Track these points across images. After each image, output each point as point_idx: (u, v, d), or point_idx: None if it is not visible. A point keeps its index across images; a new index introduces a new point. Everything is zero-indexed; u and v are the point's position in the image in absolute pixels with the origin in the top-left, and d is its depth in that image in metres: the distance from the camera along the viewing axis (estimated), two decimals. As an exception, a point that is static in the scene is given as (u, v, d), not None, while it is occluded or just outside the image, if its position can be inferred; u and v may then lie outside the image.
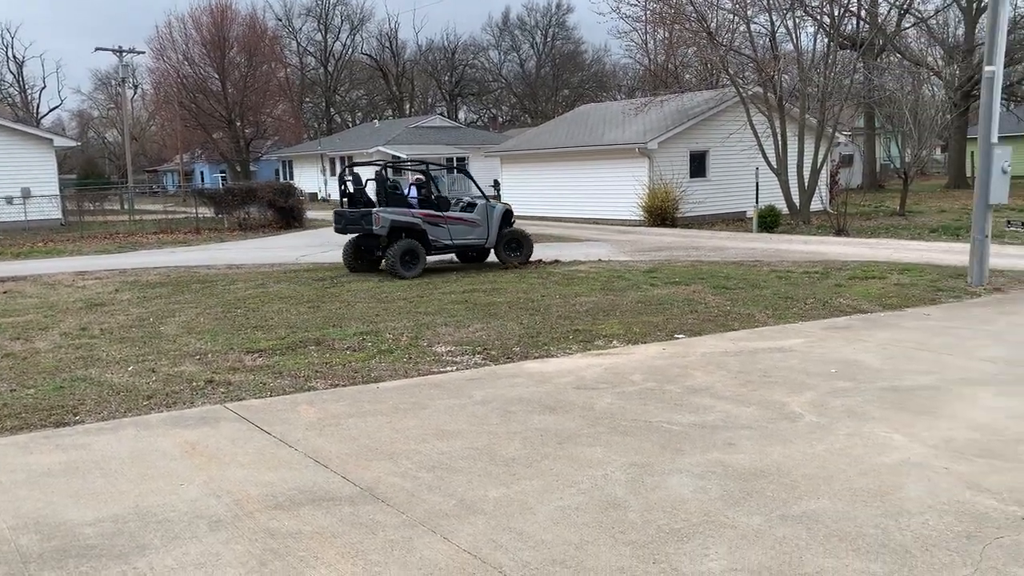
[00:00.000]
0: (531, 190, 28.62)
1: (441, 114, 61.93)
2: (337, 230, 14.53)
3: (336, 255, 17.67)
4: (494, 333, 8.70)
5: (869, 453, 4.90)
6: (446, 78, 76.45)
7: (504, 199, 29.93)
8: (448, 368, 7.25)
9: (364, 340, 8.44)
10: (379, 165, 15.11)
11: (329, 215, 32.94)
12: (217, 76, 52.14)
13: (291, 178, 47.57)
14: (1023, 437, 5.12)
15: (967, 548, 3.70)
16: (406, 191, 15.14)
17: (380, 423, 5.66)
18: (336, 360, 7.57)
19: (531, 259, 15.09)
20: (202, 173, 64.77)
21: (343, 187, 14.70)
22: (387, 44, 74.43)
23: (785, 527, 3.95)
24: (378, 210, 13.70)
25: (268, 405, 6.21)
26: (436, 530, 3.98)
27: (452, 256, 15.36)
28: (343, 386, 6.69)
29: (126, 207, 37.08)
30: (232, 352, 8.03)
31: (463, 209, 14.72)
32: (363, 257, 14.51)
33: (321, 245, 20.20)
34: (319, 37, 72.56)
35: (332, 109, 74.02)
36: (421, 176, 15.19)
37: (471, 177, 15.52)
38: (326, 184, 45.16)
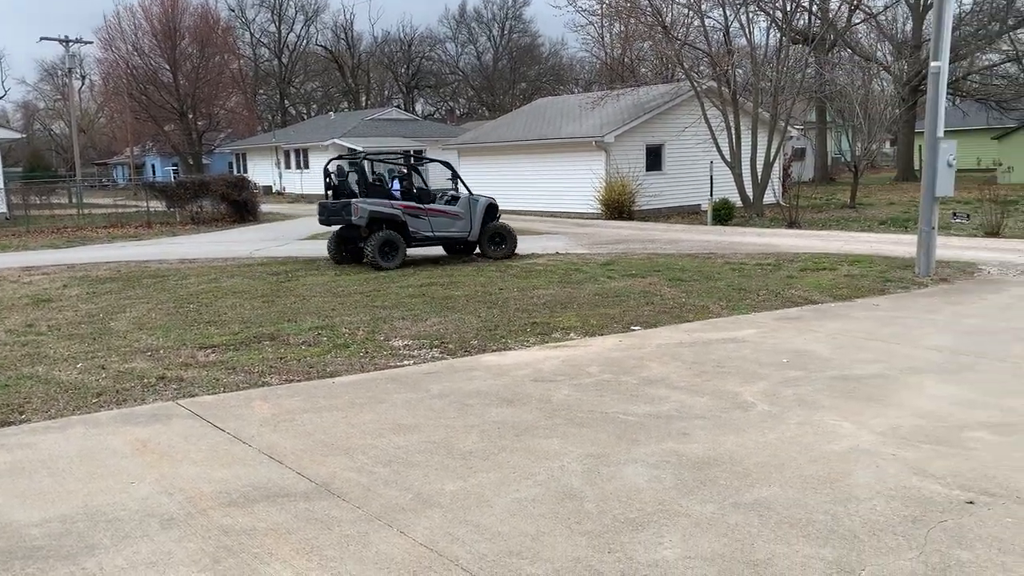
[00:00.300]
0: (488, 183, 28.47)
1: (398, 106, 61.51)
2: (321, 221, 14.64)
3: (290, 249, 17.51)
4: (452, 327, 8.68)
5: (819, 441, 5.00)
6: (403, 70, 75.93)
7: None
8: (405, 362, 7.22)
9: (319, 335, 8.37)
10: (363, 157, 15.18)
11: (283, 208, 32.52)
12: (168, 67, 51.16)
13: (245, 171, 46.89)
14: (966, 423, 5.27)
15: (913, 532, 3.79)
16: (390, 183, 15.11)
17: (336, 418, 5.62)
18: (291, 355, 7.49)
19: (515, 252, 15.13)
20: (153, 166, 63.52)
21: (327, 179, 14.74)
22: (342, 36, 73.72)
23: (737, 514, 4.01)
24: (357, 201, 13.75)
25: (221, 401, 6.12)
26: (392, 524, 3.97)
27: (441, 249, 15.42)
28: (298, 381, 6.63)
29: (74, 201, 36.24)
30: (184, 348, 7.90)
31: (448, 202, 14.80)
32: (347, 248, 14.57)
33: (276, 239, 19.96)
34: (273, 28, 71.60)
35: (286, 101, 73.07)
36: (404, 168, 15.26)
37: (454, 170, 15.42)
38: (280, 177, 44.60)
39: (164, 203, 26.89)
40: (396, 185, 15.15)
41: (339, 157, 15.65)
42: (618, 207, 23.82)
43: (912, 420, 5.35)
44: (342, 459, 4.85)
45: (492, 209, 15.03)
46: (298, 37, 72.09)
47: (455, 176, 15.26)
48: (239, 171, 47.60)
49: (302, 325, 8.88)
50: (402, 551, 3.70)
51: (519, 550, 3.69)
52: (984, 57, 39.34)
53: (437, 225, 14.38)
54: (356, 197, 14.05)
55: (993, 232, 16.51)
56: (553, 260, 14.47)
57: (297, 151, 43.12)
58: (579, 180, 24.91)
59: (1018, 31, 35.11)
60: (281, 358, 7.40)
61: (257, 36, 71.01)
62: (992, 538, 3.72)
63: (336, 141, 39.21)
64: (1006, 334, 7.87)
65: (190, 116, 52.01)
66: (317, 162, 41.23)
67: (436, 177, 38.33)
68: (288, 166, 44.01)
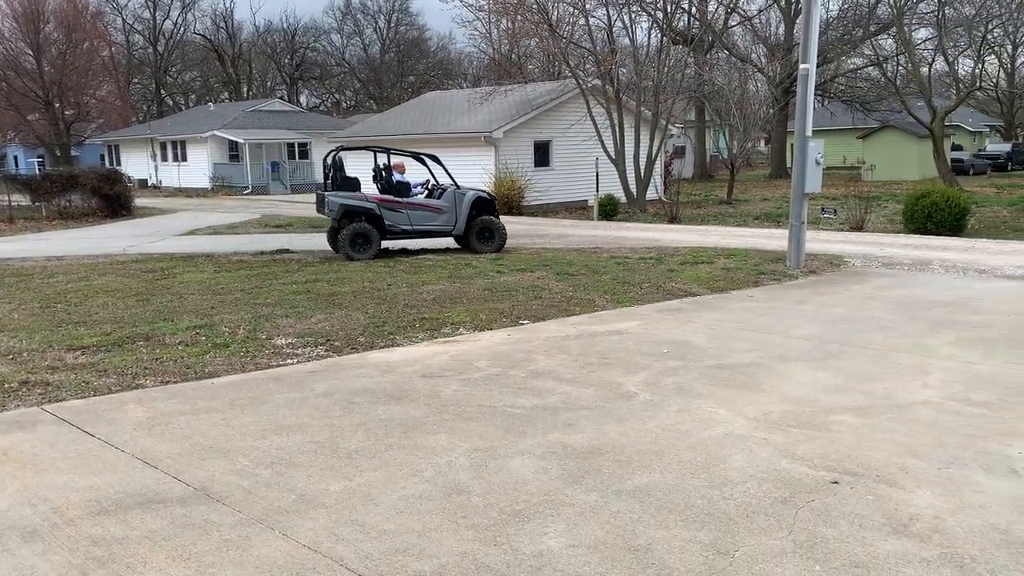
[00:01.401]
0: (376, 178, 28.24)
1: (281, 98, 59.85)
2: (317, 211, 14.91)
3: (167, 245, 16.82)
4: (338, 324, 8.54)
5: (697, 428, 5.19)
6: (286, 61, 73.95)
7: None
8: (289, 361, 7.05)
9: (198, 334, 8.07)
10: (349, 149, 15.59)
11: (160, 202, 31.09)
12: (31, 53, 47.99)
13: (118, 164, 44.62)
14: (832, 408, 5.57)
15: (783, 513, 3.99)
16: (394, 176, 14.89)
17: (215, 420, 5.44)
18: (167, 356, 7.20)
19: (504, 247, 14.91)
20: (16, 158, 59.58)
21: (327, 170, 14.77)
22: (222, 24, 71.12)
23: (620, 502, 4.12)
24: (329, 195, 14.09)
25: (91, 406, 5.82)
26: (274, 527, 3.87)
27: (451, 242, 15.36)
28: (175, 383, 6.37)
29: (-75, 194, 33.57)
30: (51, 350, 7.47)
31: (440, 196, 14.67)
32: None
33: (151, 235, 19.11)
34: (147, 14, 68.30)
35: (163, 91, 69.93)
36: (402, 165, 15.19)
37: (441, 163, 15.05)
38: (157, 170, 42.69)
39: (28, 197, 25.27)
40: (398, 177, 14.89)
41: (338, 149, 15.38)
42: (508, 202, 23.93)
43: (783, 406, 5.62)
44: (222, 462, 4.70)
45: (481, 203, 14.86)
46: (175, 24, 69.04)
47: (444, 169, 14.98)
48: (112, 164, 45.27)
49: (179, 324, 8.53)
50: (284, 554, 3.62)
51: (405, 547, 3.67)
52: (849, 61, 41.62)
53: (416, 219, 14.36)
54: (355, 188, 14.36)
55: (857, 227, 17.51)
56: (443, 255, 14.44)
57: (174, 143, 41.36)
58: (468, 175, 24.77)
59: (879, 37, 37.31)
60: (157, 359, 7.10)
61: (130, 22, 67.61)
62: (854, 515, 3.95)
63: (216, 133, 37.86)
64: (868, 323, 8.37)
65: (57, 105, 49.00)
66: (195, 155, 39.72)
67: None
68: (165, 159, 42.16)
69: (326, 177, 14.74)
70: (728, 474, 4.45)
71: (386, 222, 14.18)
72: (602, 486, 4.32)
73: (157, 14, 67.91)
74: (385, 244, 14.67)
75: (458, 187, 14.91)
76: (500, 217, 15.20)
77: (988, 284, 10.72)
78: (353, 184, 14.49)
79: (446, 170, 14.99)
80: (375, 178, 14.67)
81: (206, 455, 4.81)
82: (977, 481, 4.33)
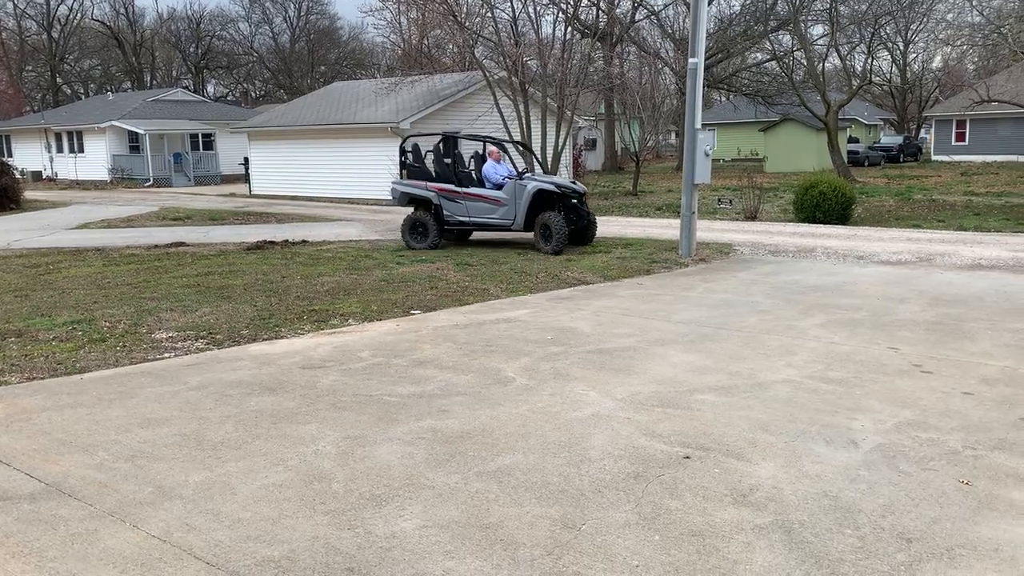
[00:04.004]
0: (281, 168, 27.76)
1: (186, 87, 58.08)
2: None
3: (56, 239, 16.20)
4: (223, 317, 8.40)
5: (566, 409, 5.33)
6: (191, 50, 71.69)
7: (252, 177, 28.76)
8: (166, 355, 6.91)
9: (75, 329, 7.82)
10: (421, 136, 15.28)
11: (54, 195, 29.81)
12: (-89, 37, 45.35)
13: (10, 155, 42.53)
14: (696, 388, 5.80)
15: (633, 487, 4.15)
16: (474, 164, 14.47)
17: (79, 415, 5.30)
18: (38, 351, 6.96)
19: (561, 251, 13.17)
20: (-103, 148, 56.16)
21: (402, 159, 14.66)
22: (122, 11, 68.40)
23: (480, 482, 4.21)
24: (394, 182, 14.44)
25: (-52, 404, 5.60)
26: (126, 519, 3.82)
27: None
28: (42, 379, 6.18)
29: None
30: (-88, 349, 7.13)
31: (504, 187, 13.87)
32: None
33: (41, 228, 18.34)
34: (40, -1, 65.13)
35: (59, 79, 66.89)
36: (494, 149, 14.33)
37: (531, 149, 14.32)
38: (52, 162, 40.89)
39: (-94, 190, 23.91)
40: (497, 169, 13.94)
41: (410, 136, 15.14)
42: (414, 194, 23.85)
43: (651, 387, 5.82)
44: (80, 457, 4.60)
45: (547, 196, 13.23)
46: (71, 10, 66.00)
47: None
48: (2, 155, 43.16)
49: (56, 320, 8.25)
50: (132, 545, 3.58)
51: (258, 534, 3.68)
52: (751, 56, 42.88)
53: (474, 210, 13.71)
54: (430, 178, 14.21)
55: (751, 216, 18.11)
56: (345, 247, 14.32)
57: (70, 134, 39.68)
58: (375, 166, 24.71)
59: (778, 32, 38.53)
60: (27, 355, 6.86)
61: (22, 7, 64.36)
62: (700, 487, 4.14)
63: (115, 123, 36.50)
64: (746, 307, 8.70)
65: (-59, 93, 46.44)
66: (93, 146, 38.23)
67: (228, 160, 36.63)
68: (60, 150, 40.40)
69: (402, 166, 14.59)
70: (588, 452, 4.60)
71: (444, 212, 13.84)
72: (465, 468, 4.40)
73: (51, -1, 64.84)
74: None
75: (520, 177, 13.62)
76: (591, 213, 13.83)
77: (864, 269, 11.26)
78: (420, 173, 14.31)
79: (511, 157, 14.34)
80: (400, 165, 14.61)
81: (64, 450, 4.70)
82: (818, 453, 4.59)
